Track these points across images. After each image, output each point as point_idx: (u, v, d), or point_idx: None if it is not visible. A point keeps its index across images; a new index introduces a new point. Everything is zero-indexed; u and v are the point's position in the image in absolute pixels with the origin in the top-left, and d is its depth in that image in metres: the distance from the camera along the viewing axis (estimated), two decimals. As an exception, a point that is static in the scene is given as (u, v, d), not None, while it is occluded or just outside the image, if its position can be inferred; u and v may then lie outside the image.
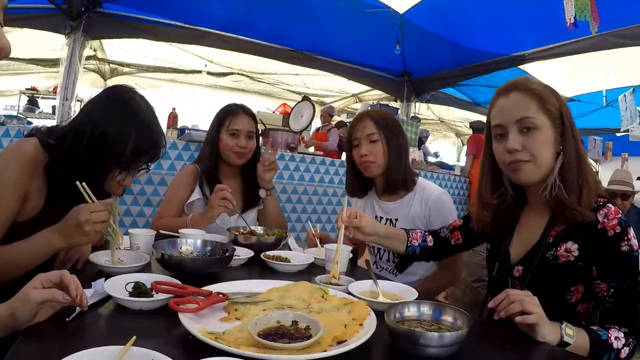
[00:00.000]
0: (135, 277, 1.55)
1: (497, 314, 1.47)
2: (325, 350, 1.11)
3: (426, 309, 1.44)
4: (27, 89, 10.22)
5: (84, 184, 1.68)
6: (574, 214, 1.59)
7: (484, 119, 4.17)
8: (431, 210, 2.53)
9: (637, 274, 1.59)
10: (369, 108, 8.71)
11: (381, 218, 2.68)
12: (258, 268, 2.12)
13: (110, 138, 1.80)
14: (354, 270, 2.13)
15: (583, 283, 1.66)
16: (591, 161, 19.10)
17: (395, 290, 1.77)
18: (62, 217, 1.65)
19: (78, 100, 8.39)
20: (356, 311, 1.39)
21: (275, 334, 1.21)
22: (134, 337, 1.02)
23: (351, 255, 2.19)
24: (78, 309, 1.27)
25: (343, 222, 1.97)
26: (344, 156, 10.20)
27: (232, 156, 2.85)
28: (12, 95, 11.14)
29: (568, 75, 11.03)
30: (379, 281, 1.79)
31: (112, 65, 10.43)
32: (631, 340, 1.54)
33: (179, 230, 2.31)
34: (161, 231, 2.41)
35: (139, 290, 1.44)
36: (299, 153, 6.96)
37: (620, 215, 1.58)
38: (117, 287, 1.45)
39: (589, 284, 1.65)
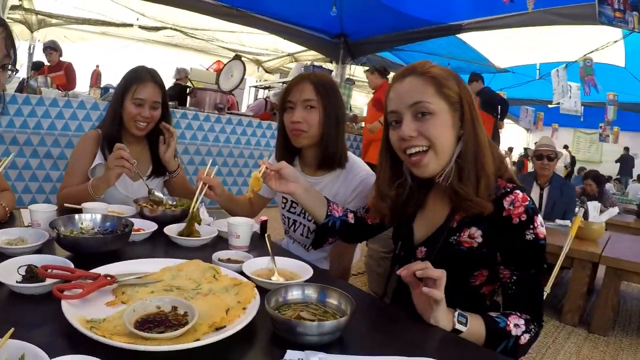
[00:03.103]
0: (30, 259, 1.47)
1: (400, 270, 1.44)
2: (198, 339, 1.07)
3: (311, 292, 1.39)
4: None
5: None
6: (470, 205, 1.55)
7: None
8: (356, 194, 2.37)
9: (542, 262, 1.57)
10: (302, 69, 8.65)
11: None
12: (163, 242, 2.03)
13: None
14: (262, 246, 2.04)
15: (487, 268, 1.64)
16: (522, 129, 19.66)
17: (292, 267, 1.73)
18: None
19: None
20: (243, 293, 1.36)
21: (153, 321, 1.16)
22: (12, 330, 0.96)
23: (256, 229, 2.12)
24: None
25: (266, 167, 1.95)
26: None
27: (133, 126, 2.70)
28: None
29: (504, 46, 11.22)
30: (277, 258, 1.74)
31: (39, 16, 9.93)
32: (533, 327, 1.53)
33: (82, 205, 2.19)
34: (65, 205, 2.32)
35: (31, 274, 1.37)
36: (227, 114, 6.86)
37: (527, 203, 1.54)
38: (10, 271, 1.38)
39: (492, 269, 1.64)
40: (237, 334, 1.13)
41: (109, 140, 2.67)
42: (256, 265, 1.70)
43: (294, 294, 1.38)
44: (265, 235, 1.93)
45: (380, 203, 1.83)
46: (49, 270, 1.36)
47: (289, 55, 12.65)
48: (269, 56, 13.23)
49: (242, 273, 1.56)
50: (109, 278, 1.36)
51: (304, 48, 11.23)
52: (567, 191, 5.55)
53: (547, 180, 5.48)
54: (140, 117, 2.66)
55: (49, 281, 1.34)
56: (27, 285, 1.32)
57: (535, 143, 5.71)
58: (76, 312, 1.16)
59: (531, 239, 1.52)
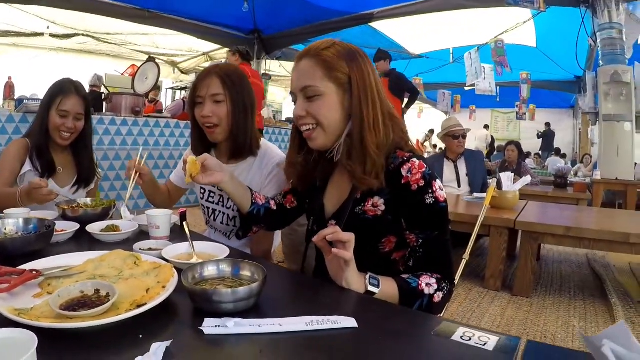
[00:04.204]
0: None
1: (314, 237, 1.51)
2: (119, 315, 1.13)
3: (225, 267, 1.47)
4: None
5: None
6: (361, 181, 1.65)
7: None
8: (270, 179, 2.45)
9: (445, 223, 1.66)
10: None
11: None
12: (86, 241, 2.06)
13: None
14: (183, 236, 2.09)
15: (394, 234, 1.73)
16: (440, 112, 20.08)
17: (209, 250, 1.80)
18: None
19: None
20: (162, 274, 1.42)
21: (78, 304, 1.21)
22: None
23: (175, 219, 2.17)
24: None
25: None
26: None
27: (57, 136, 2.83)
28: None
29: (417, 33, 11.44)
30: (195, 242, 1.81)
31: None
32: (445, 285, 1.62)
33: (5, 212, 2.20)
34: None
35: None
36: (143, 117, 6.80)
37: (424, 169, 1.62)
38: None
39: (400, 235, 1.73)
40: (158, 309, 1.20)
41: (37, 150, 2.81)
42: (176, 250, 1.76)
43: (210, 270, 1.45)
44: (184, 223, 1.98)
45: (289, 169, 1.96)
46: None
47: (204, 54, 12.67)
48: (184, 57, 13.22)
49: (163, 259, 1.62)
50: (34, 272, 1.40)
51: (218, 46, 11.20)
52: (478, 157, 6.08)
53: (458, 154, 5.86)
54: (65, 127, 2.80)
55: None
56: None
57: (444, 126, 5.95)
58: (5, 304, 1.19)
59: (431, 202, 1.62)
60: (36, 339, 0.89)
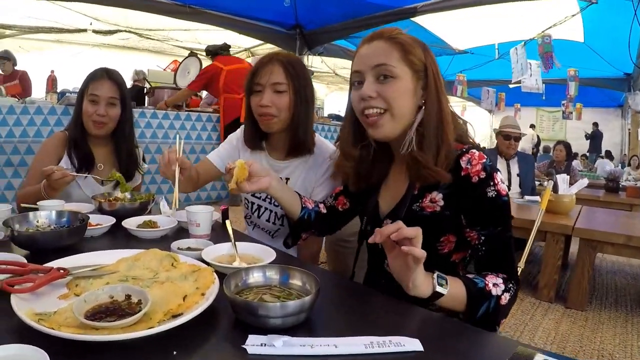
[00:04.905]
0: None
1: (374, 236, 1.33)
2: (151, 327, 1.00)
3: (272, 273, 1.32)
4: None
5: None
6: (429, 173, 1.51)
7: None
8: (326, 177, 2.29)
9: (507, 218, 1.54)
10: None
11: None
12: (122, 236, 1.96)
13: None
14: (225, 235, 1.95)
15: (453, 232, 1.60)
16: (484, 111, 19.76)
17: (253, 251, 1.67)
18: None
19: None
20: (201, 279, 1.28)
21: (105, 311, 1.09)
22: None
23: (217, 217, 2.04)
24: None
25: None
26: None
27: (91, 125, 2.66)
28: None
29: (461, 28, 11.24)
30: (238, 243, 1.67)
31: None
32: (511, 285, 1.49)
33: (38, 204, 2.11)
34: (22, 204, 2.27)
35: None
36: (185, 111, 6.78)
37: (484, 160, 1.50)
38: None
39: (460, 233, 1.60)
40: (195, 321, 1.07)
41: (74, 143, 2.68)
42: (217, 251, 1.63)
43: (255, 277, 1.30)
44: (227, 221, 1.84)
45: (344, 162, 1.79)
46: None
47: (245, 50, 12.60)
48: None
49: (202, 261, 1.49)
50: (61, 271, 1.29)
51: (260, 42, 11.15)
52: (529, 161, 5.91)
53: (511, 155, 5.66)
54: (96, 115, 2.62)
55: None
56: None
57: (501, 122, 5.82)
58: (25, 306, 1.08)
59: (493, 195, 1.49)
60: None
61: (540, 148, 18.77)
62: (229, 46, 7.94)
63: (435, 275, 1.37)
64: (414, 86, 1.54)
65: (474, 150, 1.52)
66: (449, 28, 11.39)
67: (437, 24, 10.90)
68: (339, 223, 2.11)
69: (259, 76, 2.19)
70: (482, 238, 1.53)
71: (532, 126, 20.67)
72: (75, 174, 2.45)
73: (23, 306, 1.08)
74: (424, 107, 1.54)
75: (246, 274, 1.30)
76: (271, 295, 1.23)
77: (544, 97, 14.16)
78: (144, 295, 1.11)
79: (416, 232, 1.28)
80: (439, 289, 1.34)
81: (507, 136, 5.54)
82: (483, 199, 1.49)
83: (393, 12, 8.67)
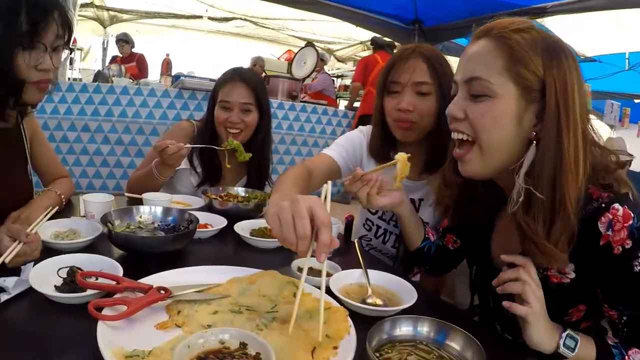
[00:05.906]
0: (74, 259, 1.27)
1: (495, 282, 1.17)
2: None
3: (425, 328, 1.03)
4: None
5: None
6: (536, 249, 1.13)
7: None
8: None
9: None
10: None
11: None
12: (232, 241, 1.75)
13: None
14: (347, 250, 1.64)
15: (584, 303, 1.28)
16: (606, 126, 18.70)
17: (387, 284, 1.38)
18: None
19: (78, 49, 8.24)
20: (333, 323, 1.02)
21: None
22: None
23: (340, 230, 1.79)
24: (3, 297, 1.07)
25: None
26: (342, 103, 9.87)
27: (224, 133, 2.42)
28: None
29: (590, 33, 10.63)
30: (370, 271, 1.38)
31: (111, 13, 10.44)
32: None
33: (142, 196, 1.97)
34: (127, 194, 2.17)
35: (72, 277, 1.16)
36: (300, 102, 6.66)
37: (631, 222, 1.10)
38: (50, 272, 1.19)
39: (592, 303, 1.26)
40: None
41: (201, 154, 2.47)
42: (342, 280, 1.35)
43: (403, 329, 1.02)
44: (356, 241, 1.57)
45: (444, 191, 1.49)
46: (91, 279, 1.13)
47: (361, 43, 12.41)
48: (340, 44, 13.09)
49: (328, 291, 1.19)
50: (162, 292, 1.08)
51: (377, 35, 10.94)
52: None
53: None
54: (229, 123, 2.40)
55: (89, 291, 1.11)
56: (62, 295, 1.10)
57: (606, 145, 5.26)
58: (114, 340, 0.89)
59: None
60: None
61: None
62: (395, 45, 7.97)
63: (564, 334, 1.14)
64: (519, 111, 1.16)
65: (616, 206, 1.11)
66: (576, 31, 10.77)
67: (562, 26, 10.33)
68: (452, 263, 1.77)
69: (397, 73, 1.85)
70: (624, 319, 1.17)
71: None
72: (189, 145, 2.21)
73: (110, 340, 0.88)
74: (535, 144, 1.14)
75: (392, 325, 1.01)
76: (417, 356, 0.95)
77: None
78: (265, 349, 0.86)
79: (521, 289, 1.09)
80: (563, 350, 1.12)
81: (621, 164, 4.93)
82: (628, 273, 1.12)
83: (520, 11, 8.22)
